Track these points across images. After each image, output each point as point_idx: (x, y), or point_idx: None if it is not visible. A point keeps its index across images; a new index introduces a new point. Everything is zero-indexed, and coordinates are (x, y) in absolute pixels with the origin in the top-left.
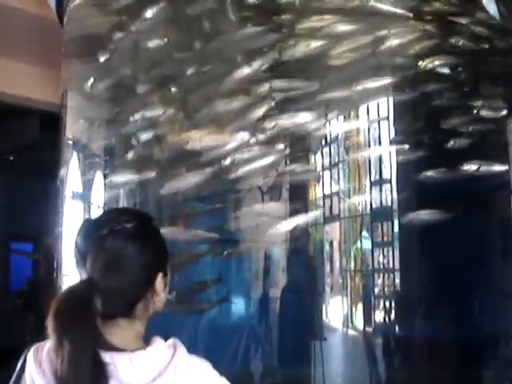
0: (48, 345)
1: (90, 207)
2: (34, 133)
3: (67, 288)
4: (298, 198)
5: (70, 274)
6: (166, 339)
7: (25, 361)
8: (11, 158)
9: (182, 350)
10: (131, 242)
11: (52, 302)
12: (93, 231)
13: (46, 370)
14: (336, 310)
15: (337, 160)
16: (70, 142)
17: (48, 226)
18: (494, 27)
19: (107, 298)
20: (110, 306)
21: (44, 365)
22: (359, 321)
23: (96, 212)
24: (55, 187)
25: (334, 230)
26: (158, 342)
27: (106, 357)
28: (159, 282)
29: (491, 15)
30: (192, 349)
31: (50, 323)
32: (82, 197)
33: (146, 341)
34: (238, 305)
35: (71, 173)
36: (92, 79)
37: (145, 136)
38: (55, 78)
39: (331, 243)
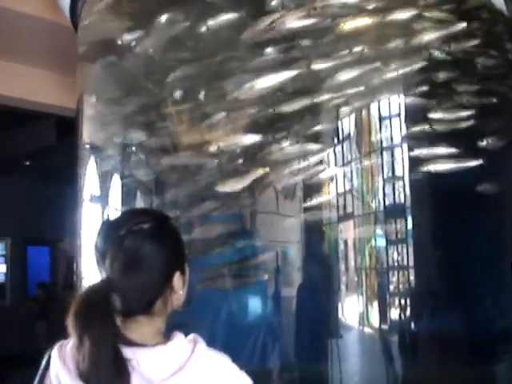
0: (72, 342)
1: (107, 210)
2: (51, 137)
3: (87, 288)
4: (312, 196)
5: (90, 277)
6: (186, 335)
7: (49, 358)
8: (27, 163)
9: (201, 344)
10: (148, 242)
11: (72, 301)
12: (111, 232)
13: (71, 366)
14: (352, 308)
15: (350, 158)
16: (87, 146)
17: (64, 230)
18: None
19: (126, 296)
20: (130, 303)
21: (68, 361)
22: (375, 318)
23: (114, 214)
24: (72, 191)
25: (348, 229)
26: (178, 337)
27: (128, 352)
28: (177, 279)
29: (499, 10)
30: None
31: (70, 322)
32: (99, 199)
33: (167, 336)
34: (255, 304)
35: (89, 176)
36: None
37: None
38: (71, 83)
39: (346, 242)
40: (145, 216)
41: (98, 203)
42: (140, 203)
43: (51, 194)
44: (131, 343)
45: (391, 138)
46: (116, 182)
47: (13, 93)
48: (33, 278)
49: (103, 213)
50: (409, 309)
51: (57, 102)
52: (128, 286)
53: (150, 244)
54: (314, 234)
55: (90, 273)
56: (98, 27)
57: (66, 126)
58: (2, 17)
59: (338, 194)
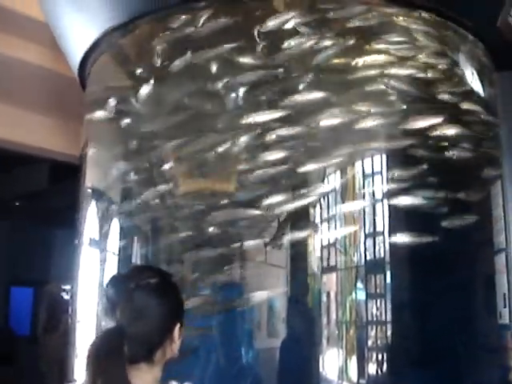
0: None
1: (106, 255)
2: (42, 181)
3: (100, 334)
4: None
5: (83, 321)
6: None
7: None
8: (17, 204)
9: None
10: (155, 296)
11: (88, 346)
12: (122, 285)
13: None
14: (331, 362)
15: (333, 212)
16: (89, 191)
17: (50, 271)
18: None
19: (133, 344)
20: (135, 351)
21: None
22: (353, 372)
23: (112, 260)
24: (61, 233)
25: (330, 281)
26: None
27: None
28: (176, 331)
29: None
30: None
31: (85, 366)
32: (98, 244)
33: None
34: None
35: (89, 220)
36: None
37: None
38: (65, 129)
39: (328, 294)
40: (152, 272)
41: (95, 247)
42: (137, 249)
43: (39, 236)
44: None
45: (373, 193)
46: (115, 227)
47: (7, 136)
48: (16, 320)
49: (101, 257)
50: (385, 364)
51: (50, 147)
52: (135, 335)
53: (156, 298)
54: (299, 285)
55: (84, 317)
56: (106, 83)
57: (58, 171)
58: None
59: (322, 246)
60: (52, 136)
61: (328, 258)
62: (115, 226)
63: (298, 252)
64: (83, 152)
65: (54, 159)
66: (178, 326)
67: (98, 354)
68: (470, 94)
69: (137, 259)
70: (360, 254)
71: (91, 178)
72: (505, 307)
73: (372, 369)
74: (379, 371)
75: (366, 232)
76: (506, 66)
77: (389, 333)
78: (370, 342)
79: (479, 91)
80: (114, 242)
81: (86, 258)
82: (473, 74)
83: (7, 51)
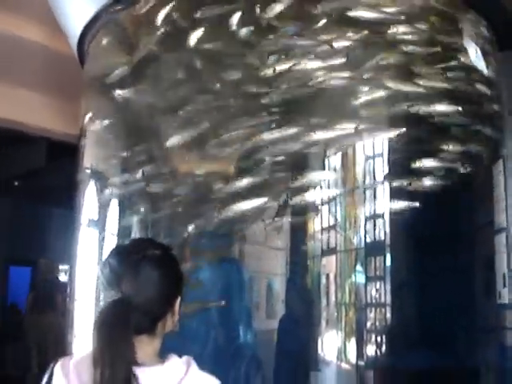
0: (75, 358)
1: (104, 235)
2: (40, 160)
3: (106, 305)
4: (298, 230)
5: (82, 300)
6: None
7: (51, 375)
8: (16, 183)
9: (194, 366)
10: (159, 267)
11: (95, 317)
12: (128, 256)
13: (73, 382)
14: (331, 343)
15: (334, 194)
16: (88, 171)
17: (48, 250)
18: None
19: (137, 316)
20: (139, 322)
21: (72, 377)
22: (352, 354)
23: (110, 240)
24: (59, 213)
25: (330, 264)
26: (173, 358)
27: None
28: (177, 304)
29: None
30: None
31: (92, 337)
32: (96, 224)
33: (162, 357)
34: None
35: (87, 201)
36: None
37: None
38: (64, 108)
39: (327, 276)
40: (154, 244)
41: (94, 228)
42: (136, 231)
43: (37, 215)
44: (136, 362)
45: (374, 176)
46: (114, 209)
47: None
48: (14, 299)
49: (99, 238)
50: (385, 345)
51: (48, 126)
52: (140, 306)
53: (162, 269)
54: (299, 267)
55: (82, 296)
56: (103, 62)
57: (56, 149)
58: None
59: (322, 228)
60: (50, 115)
61: (328, 240)
62: (114, 205)
63: (298, 234)
64: (81, 131)
65: (52, 138)
66: (179, 299)
67: (106, 324)
68: (473, 72)
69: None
70: (360, 237)
71: (90, 158)
72: (504, 287)
73: (371, 350)
74: (378, 352)
75: (367, 214)
76: (509, 46)
77: (387, 315)
78: (369, 324)
79: (483, 69)
80: (112, 222)
81: (84, 238)
82: (476, 51)
83: (6, 29)
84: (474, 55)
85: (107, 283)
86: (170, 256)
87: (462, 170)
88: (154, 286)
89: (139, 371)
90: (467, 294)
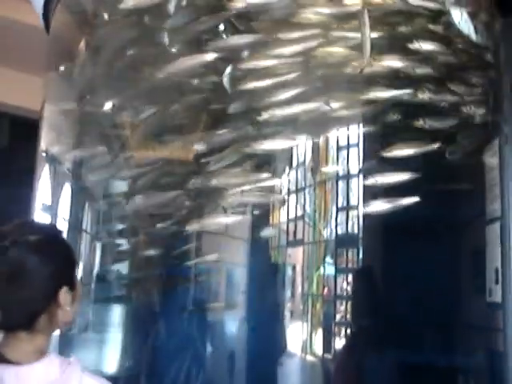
0: None
1: (56, 220)
2: (3, 138)
3: None
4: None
5: None
6: None
7: None
8: None
9: (75, 367)
10: (32, 254)
11: None
12: None
13: None
14: (296, 336)
15: (303, 184)
16: (43, 154)
17: None
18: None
19: (7, 310)
20: (11, 317)
21: None
22: (318, 347)
23: (62, 224)
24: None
25: (297, 254)
26: (48, 358)
27: None
28: (63, 295)
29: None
30: None
31: None
32: (49, 209)
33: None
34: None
35: (42, 184)
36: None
37: None
38: (29, 83)
39: (294, 267)
40: (32, 228)
41: (47, 212)
42: (88, 214)
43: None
44: (3, 360)
45: (347, 168)
46: (67, 192)
47: None
48: None
49: (52, 222)
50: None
51: (11, 101)
52: (9, 299)
53: (34, 257)
54: (263, 257)
55: None
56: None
57: (20, 127)
58: None
59: (289, 219)
60: (15, 89)
61: (294, 231)
62: (67, 191)
63: (261, 223)
64: (41, 112)
65: (17, 115)
66: (65, 289)
67: None
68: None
69: (87, 226)
70: (330, 227)
71: (46, 140)
72: (497, 283)
73: (338, 344)
74: (346, 347)
75: (337, 205)
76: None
77: (358, 310)
78: (337, 317)
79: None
80: (65, 207)
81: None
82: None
83: None
84: (459, 18)
85: None
86: (52, 241)
87: (446, 154)
88: (24, 276)
89: (6, 370)
90: (446, 289)
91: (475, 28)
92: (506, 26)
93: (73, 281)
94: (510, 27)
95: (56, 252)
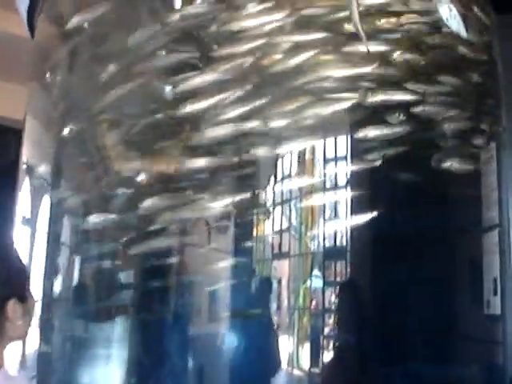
0: None
1: (35, 233)
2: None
3: None
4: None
5: None
6: None
7: None
8: None
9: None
10: None
11: None
12: None
13: None
14: (282, 349)
15: (289, 196)
16: (24, 166)
17: None
18: None
19: None
20: None
21: None
22: (305, 360)
23: (41, 240)
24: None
25: (282, 268)
26: None
27: None
28: (11, 308)
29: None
30: None
31: None
32: (28, 222)
33: None
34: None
35: (23, 197)
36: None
37: None
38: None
39: (279, 281)
40: None
41: (27, 226)
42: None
43: None
44: None
45: (335, 179)
46: (46, 205)
47: None
48: None
49: (31, 236)
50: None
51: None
52: None
53: None
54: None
55: None
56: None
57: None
58: None
59: (274, 231)
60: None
61: (280, 244)
62: (46, 204)
63: (245, 235)
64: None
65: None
66: (14, 301)
67: None
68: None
69: (66, 240)
70: (317, 241)
71: (27, 152)
72: (495, 295)
73: (326, 358)
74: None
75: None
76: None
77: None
78: (326, 331)
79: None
80: (44, 221)
81: (17, 236)
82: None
83: None
84: (447, 14)
85: None
86: None
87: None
88: None
89: None
90: (440, 302)
91: (466, 24)
92: (502, 24)
93: (23, 293)
94: (505, 24)
95: (2, 263)
